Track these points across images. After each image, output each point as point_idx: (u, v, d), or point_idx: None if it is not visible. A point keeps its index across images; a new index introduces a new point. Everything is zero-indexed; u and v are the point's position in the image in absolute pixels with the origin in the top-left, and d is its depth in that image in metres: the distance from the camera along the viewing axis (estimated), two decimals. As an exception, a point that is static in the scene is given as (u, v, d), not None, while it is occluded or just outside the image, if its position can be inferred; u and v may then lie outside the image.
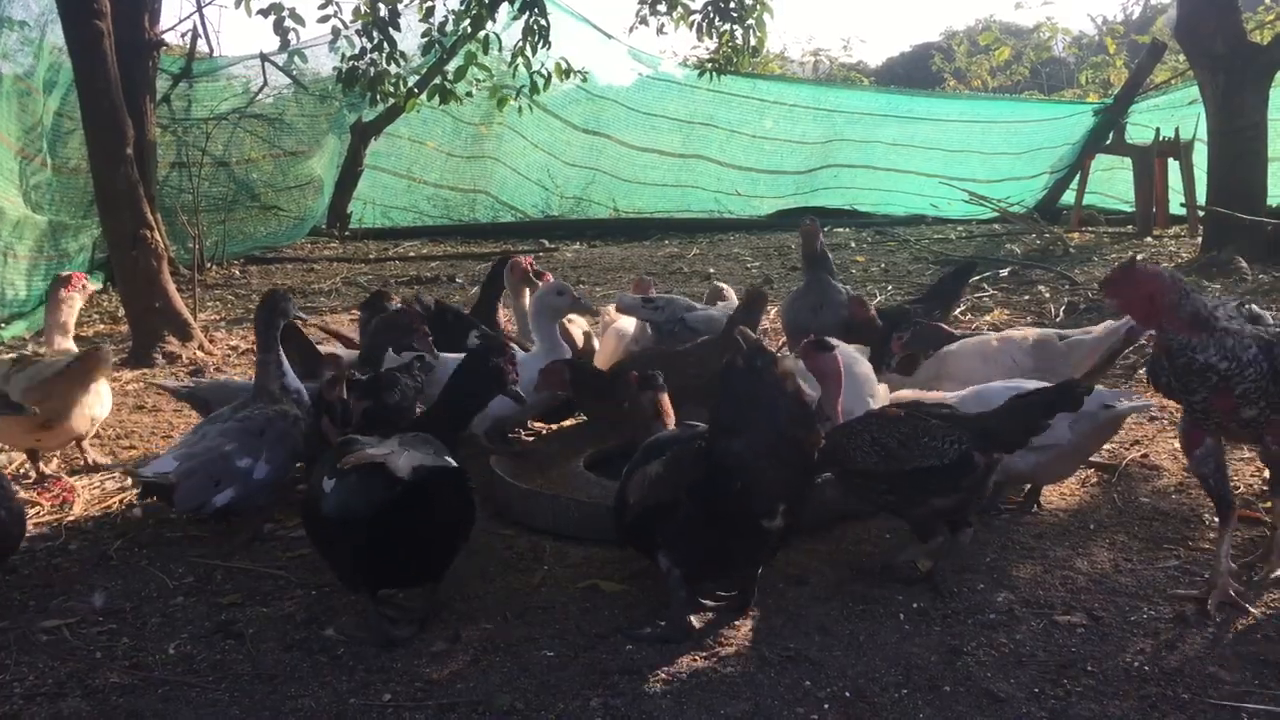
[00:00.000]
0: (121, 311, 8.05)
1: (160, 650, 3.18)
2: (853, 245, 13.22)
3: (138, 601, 3.52)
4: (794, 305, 5.79)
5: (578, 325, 5.87)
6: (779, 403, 3.09)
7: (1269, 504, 4.02)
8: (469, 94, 12.45)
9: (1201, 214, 11.77)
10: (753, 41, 10.91)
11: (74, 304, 5.19)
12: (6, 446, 5.07)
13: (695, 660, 3.04)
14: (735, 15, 10.64)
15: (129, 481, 4.73)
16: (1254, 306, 3.47)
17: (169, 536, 4.10)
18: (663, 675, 2.96)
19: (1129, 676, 2.91)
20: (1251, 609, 3.26)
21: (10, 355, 4.85)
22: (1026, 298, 8.78)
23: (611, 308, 6.21)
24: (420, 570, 3.26)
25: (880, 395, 4.61)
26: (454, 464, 3.24)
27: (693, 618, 3.25)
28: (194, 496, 3.82)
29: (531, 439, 5.16)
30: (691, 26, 10.85)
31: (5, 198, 7.63)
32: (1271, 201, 10.98)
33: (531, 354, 4.86)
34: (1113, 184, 16.68)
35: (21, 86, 8.38)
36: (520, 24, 10.54)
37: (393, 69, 10.42)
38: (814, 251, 5.79)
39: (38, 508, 4.42)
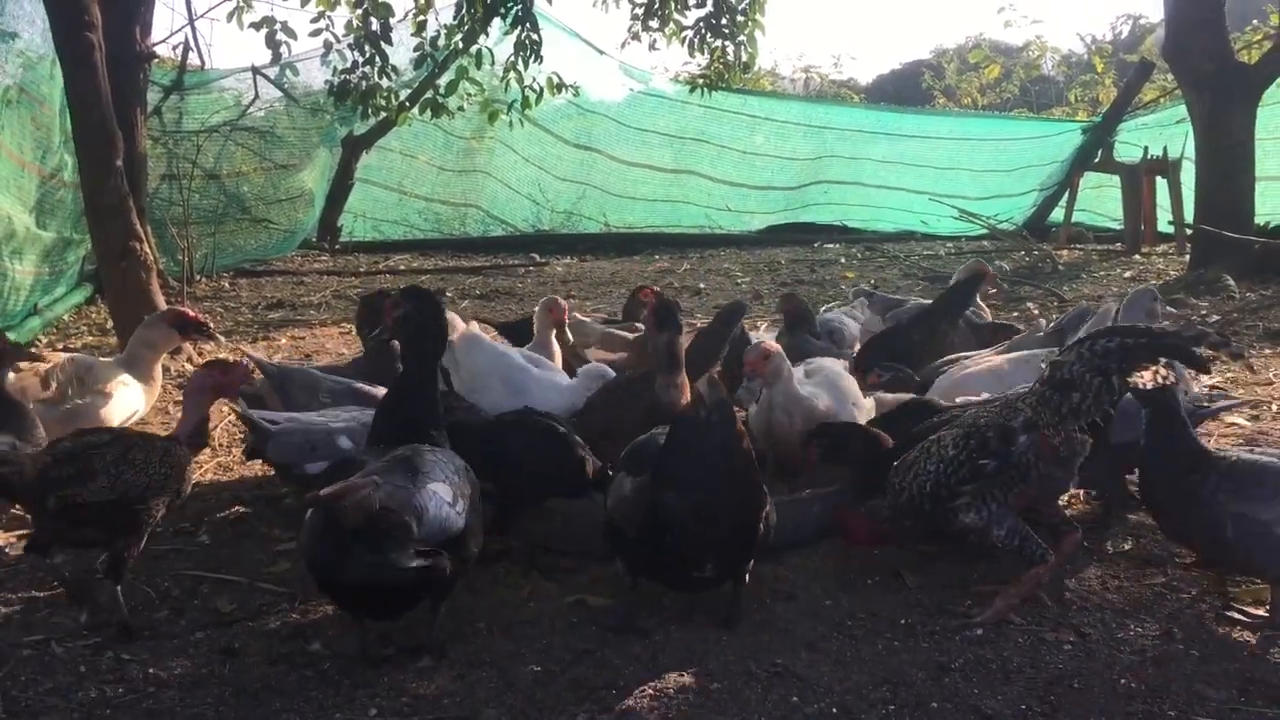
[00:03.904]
0: (110, 323, 8.03)
1: (145, 665, 3.16)
2: (842, 261, 13.25)
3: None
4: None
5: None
6: (721, 462, 3.10)
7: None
8: (460, 108, 12.48)
9: (1189, 232, 11.84)
10: (744, 58, 10.99)
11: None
12: None
13: (682, 676, 3.03)
14: (727, 31, 10.72)
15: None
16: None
17: (155, 550, 4.08)
18: (649, 691, 2.95)
19: (1115, 693, 2.92)
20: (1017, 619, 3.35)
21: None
22: (1015, 314, 8.80)
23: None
24: (410, 606, 3.13)
25: (866, 407, 4.62)
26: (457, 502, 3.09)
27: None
28: (288, 454, 4.14)
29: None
30: (683, 42, 10.91)
31: (13, 213, 7.61)
32: (1259, 220, 11.05)
33: (559, 382, 4.87)
34: (1101, 201, 16.79)
35: (27, 99, 8.34)
36: (512, 39, 10.58)
37: (384, 83, 10.45)
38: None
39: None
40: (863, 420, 4.54)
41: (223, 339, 5.49)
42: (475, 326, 5.03)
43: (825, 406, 4.34)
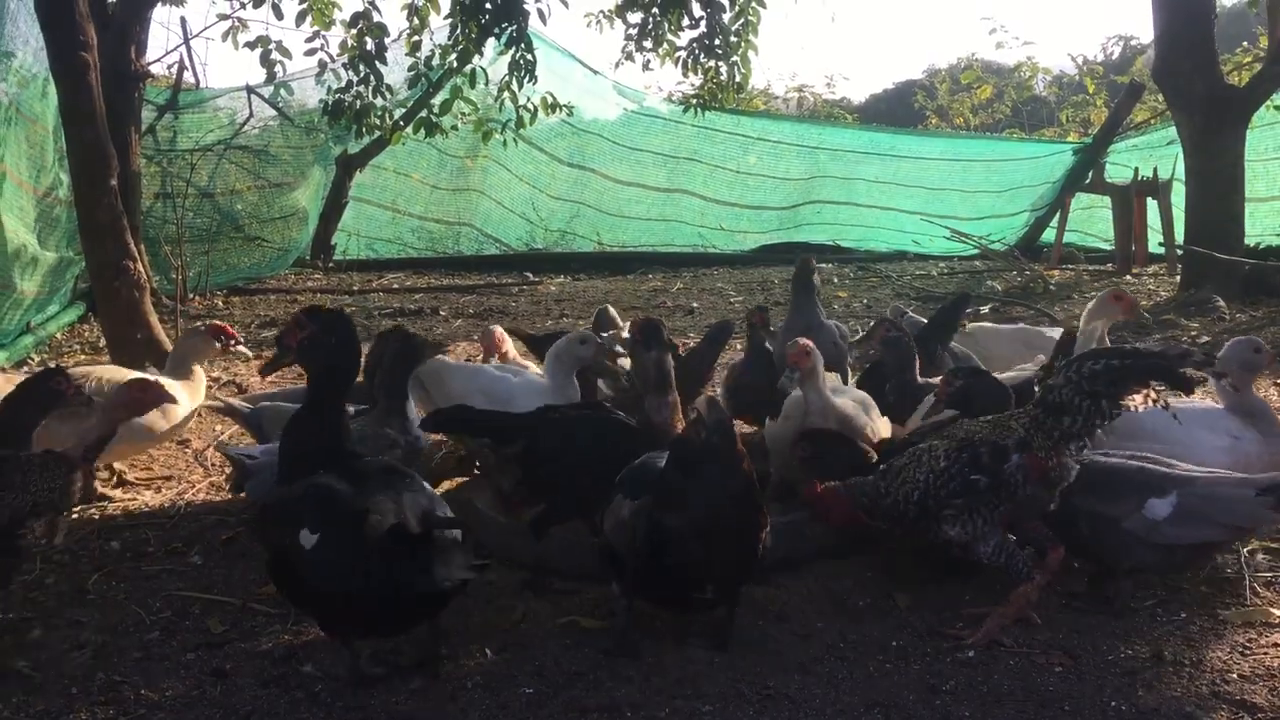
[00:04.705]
0: (103, 342, 8.03)
1: (137, 686, 3.16)
2: (835, 281, 13.28)
3: (115, 636, 3.50)
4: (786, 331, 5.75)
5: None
6: (722, 483, 3.10)
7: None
8: (454, 127, 12.50)
9: (1180, 253, 11.90)
10: (737, 78, 11.01)
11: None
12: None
13: (674, 698, 3.03)
14: (720, 51, 10.75)
15: (105, 513, 4.72)
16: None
17: (147, 570, 4.08)
18: (642, 713, 2.95)
19: (1105, 716, 2.93)
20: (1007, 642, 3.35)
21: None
22: (1007, 335, 8.81)
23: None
24: (405, 625, 3.15)
25: (882, 425, 4.63)
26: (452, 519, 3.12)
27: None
28: (265, 488, 4.05)
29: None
30: (677, 63, 10.94)
31: (18, 231, 7.62)
32: (1248, 241, 11.11)
33: (538, 383, 4.85)
34: (1092, 222, 16.86)
35: (21, 118, 8.36)
36: (507, 59, 10.61)
37: (379, 102, 10.46)
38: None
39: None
40: (884, 432, 4.56)
41: (249, 353, 5.83)
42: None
43: (854, 410, 4.40)
